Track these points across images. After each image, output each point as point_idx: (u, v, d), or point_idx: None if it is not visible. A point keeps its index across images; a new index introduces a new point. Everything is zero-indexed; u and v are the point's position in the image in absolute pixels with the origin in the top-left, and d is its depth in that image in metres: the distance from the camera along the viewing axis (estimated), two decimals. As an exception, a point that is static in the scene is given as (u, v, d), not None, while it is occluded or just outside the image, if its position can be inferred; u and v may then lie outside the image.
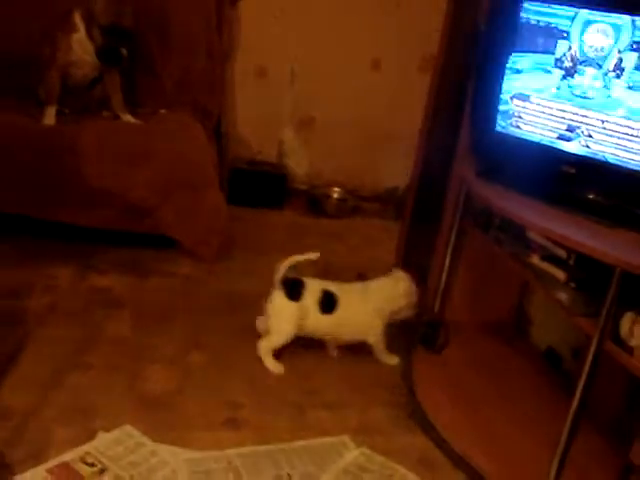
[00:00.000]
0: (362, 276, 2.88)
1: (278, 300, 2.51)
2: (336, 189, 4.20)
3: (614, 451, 2.21)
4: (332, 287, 2.58)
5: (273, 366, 2.52)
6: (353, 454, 2.13)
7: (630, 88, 1.95)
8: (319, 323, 2.53)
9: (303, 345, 2.60)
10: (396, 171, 4.14)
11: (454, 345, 2.78)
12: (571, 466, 1.98)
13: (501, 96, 2.25)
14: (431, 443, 2.25)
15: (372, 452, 2.15)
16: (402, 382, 2.54)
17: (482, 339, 2.87)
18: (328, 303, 2.53)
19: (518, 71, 2.23)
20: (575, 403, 1.92)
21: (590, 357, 1.88)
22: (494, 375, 2.62)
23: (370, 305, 2.59)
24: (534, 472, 2.08)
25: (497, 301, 2.97)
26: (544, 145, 2.17)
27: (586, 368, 1.89)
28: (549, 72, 2.15)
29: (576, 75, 2.08)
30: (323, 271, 2.82)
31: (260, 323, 2.63)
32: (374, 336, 2.61)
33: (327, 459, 2.10)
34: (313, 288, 2.54)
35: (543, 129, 2.17)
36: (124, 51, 3.15)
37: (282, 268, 2.51)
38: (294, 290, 2.51)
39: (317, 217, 4.01)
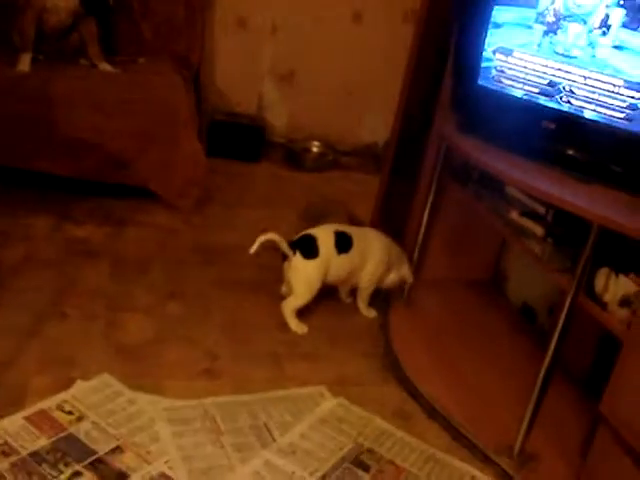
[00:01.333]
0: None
1: (298, 264, 2.47)
2: (315, 143, 4.18)
3: (585, 403, 2.26)
4: (343, 228, 2.59)
5: (297, 326, 2.51)
6: (330, 404, 2.16)
7: (616, 48, 1.92)
8: (340, 265, 2.54)
9: (282, 297, 2.61)
10: (376, 126, 4.13)
11: (431, 300, 2.80)
12: (543, 418, 2.01)
13: (484, 50, 2.23)
14: (406, 394, 2.28)
15: (349, 403, 2.18)
16: (379, 335, 2.57)
17: (459, 295, 2.90)
18: (344, 243, 2.54)
19: (498, 25, 2.20)
20: (549, 356, 1.94)
21: (565, 311, 1.90)
22: (470, 329, 2.66)
23: (385, 247, 2.63)
24: (507, 424, 2.11)
25: (474, 258, 2.99)
26: (525, 100, 2.16)
27: (560, 321, 1.91)
28: (530, 27, 2.13)
29: (559, 32, 2.06)
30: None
31: (284, 287, 2.63)
32: (369, 282, 2.63)
33: (304, 409, 2.12)
34: (325, 235, 2.53)
35: (525, 84, 2.16)
36: (111, 1, 3.10)
37: (277, 240, 2.45)
38: (309, 248, 2.48)
39: (295, 170, 3.99)
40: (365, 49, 4.07)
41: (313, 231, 2.55)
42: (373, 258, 2.61)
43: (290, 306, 2.51)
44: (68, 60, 3.29)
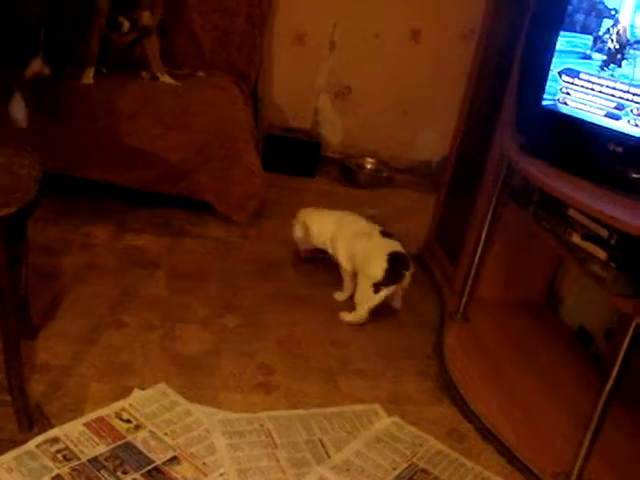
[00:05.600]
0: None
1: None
2: (370, 160, 4.18)
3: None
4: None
5: None
6: (385, 422, 2.15)
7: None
8: None
9: (335, 312, 2.61)
10: (430, 144, 4.12)
11: (485, 320, 2.77)
12: (600, 444, 1.97)
13: (549, 71, 2.21)
14: (461, 415, 2.26)
15: (403, 422, 2.16)
16: (433, 354, 2.55)
17: (513, 315, 2.86)
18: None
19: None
20: (609, 383, 1.91)
21: (628, 337, 1.86)
22: (525, 351, 2.62)
23: None
24: (563, 449, 2.08)
25: (529, 279, 2.95)
26: (591, 123, 2.12)
27: (623, 348, 1.87)
28: (587, 57, 2.06)
29: (624, 63, 1.97)
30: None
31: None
32: None
33: (359, 426, 2.12)
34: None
35: (591, 106, 2.13)
36: (125, 23, 3.13)
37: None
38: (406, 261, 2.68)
39: (349, 187, 4.00)
40: (422, 67, 4.07)
41: (397, 248, 2.67)
42: None
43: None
44: (130, 72, 3.35)
